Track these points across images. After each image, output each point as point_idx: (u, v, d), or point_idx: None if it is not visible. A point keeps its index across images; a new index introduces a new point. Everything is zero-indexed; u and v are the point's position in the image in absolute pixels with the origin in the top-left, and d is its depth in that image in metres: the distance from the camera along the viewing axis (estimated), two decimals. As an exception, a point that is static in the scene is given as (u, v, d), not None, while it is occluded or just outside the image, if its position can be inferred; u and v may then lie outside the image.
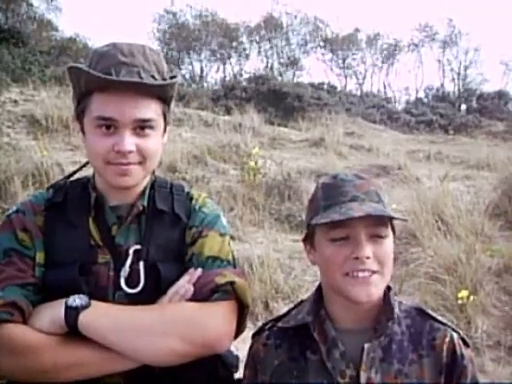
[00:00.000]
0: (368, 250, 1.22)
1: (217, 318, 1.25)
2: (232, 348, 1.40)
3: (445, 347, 1.25)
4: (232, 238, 1.42)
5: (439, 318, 1.33)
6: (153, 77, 1.27)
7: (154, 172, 1.43)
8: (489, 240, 5.39)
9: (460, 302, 4.11)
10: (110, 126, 1.25)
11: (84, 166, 1.48)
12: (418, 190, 6.77)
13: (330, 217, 1.22)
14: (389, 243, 1.27)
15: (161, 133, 1.35)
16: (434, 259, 4.87)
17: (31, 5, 19.87)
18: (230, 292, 1.28)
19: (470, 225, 5.43)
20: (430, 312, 1.34)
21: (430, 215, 5.67)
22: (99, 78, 1.21)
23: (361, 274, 1.23)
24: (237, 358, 1.44)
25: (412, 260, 4.95)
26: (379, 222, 1.24)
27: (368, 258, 1.22)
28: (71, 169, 1.55)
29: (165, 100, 1.32)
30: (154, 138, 1.31)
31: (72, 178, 1.44)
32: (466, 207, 5.89)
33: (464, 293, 4.09)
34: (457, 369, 1.24)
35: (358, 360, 1.24)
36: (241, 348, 1.56)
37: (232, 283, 1.29)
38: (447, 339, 1.26)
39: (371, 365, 1.23)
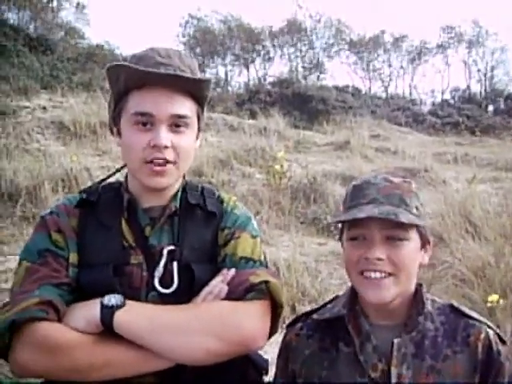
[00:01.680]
0: (380, 251, 1.23)
1: (252, 316, 1.25)
2: (261, 352, 1.40)
3: (480, 344, 1.24)
4: (259, 241, 1.44)
5: (474, 314, 1.31)
6: None
7: (184, 176, 1.45)
8: (518, 243, 5.31)
9: (489, 305, 4.06)
10: (146, 122, 1.29)
11: (117, 171, 1.51)
12: (445, 193, 6.71)
13: (345, 217, 1.28)
14: (409, 247, 1.26)
15: (195, 133, 1.38)
16: (461, 262, 4.81)
17: (53, 9, 20.10)
18: (264, 291, 1.28)
19: (498, 227, 5.35)
20: (465, 309, 1.33)
21: (457, 217, 5.61)
22: (138, 71, 1.24)
23: (373, 275, 1.24)
24: (267, 361, 1.44)
25: (440, 263, 4.89)
26: (396, 225, 1.23)
27: (379, 259, 1.23)
28: (99, 174, 1.59)
29: (199, 100, 1.36)
30: (188, 137, 1.34)
31: (103, 184, 1.46)
32: (494, 209, 5.81)
33: (494, 297, 4.03)
34: (494, 366, 1.23)
35: (389, 355, 1.25)
36: (269, 351, 1.57)
37: (266, 282, 1.29)
38: (482, 335, 1.25)
39: (403, 360, 1.24)
